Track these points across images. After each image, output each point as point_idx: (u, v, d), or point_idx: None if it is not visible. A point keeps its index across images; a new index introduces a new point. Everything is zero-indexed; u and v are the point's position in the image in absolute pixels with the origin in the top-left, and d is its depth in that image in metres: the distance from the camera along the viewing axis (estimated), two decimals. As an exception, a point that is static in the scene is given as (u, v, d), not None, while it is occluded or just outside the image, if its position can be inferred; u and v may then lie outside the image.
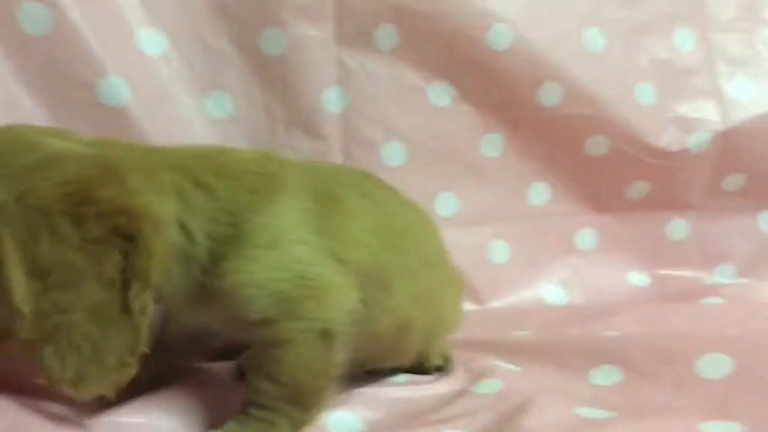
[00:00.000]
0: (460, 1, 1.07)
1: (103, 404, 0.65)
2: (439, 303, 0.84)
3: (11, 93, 0.87)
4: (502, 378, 0.84)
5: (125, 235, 0.57)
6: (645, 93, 1.18)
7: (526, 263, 1.22)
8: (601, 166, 1.20)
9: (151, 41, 0.97)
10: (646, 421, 0.72)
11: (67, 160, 0.58)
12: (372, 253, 0.72)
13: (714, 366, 0.83)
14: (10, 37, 0.86)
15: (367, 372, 0.84)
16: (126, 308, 0.57)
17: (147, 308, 0.58)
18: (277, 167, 0.71)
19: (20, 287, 0.54)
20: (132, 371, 0.58)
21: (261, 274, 0.63)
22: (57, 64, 0.87)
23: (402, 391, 0.81)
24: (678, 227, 1.28)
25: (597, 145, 1.19)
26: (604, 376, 0.87)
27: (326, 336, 0.66)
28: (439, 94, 1.12)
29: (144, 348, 0.58)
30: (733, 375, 0.81)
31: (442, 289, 0.85)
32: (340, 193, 0.74)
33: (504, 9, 1.09)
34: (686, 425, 0.71)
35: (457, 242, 1.13)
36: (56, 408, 0.63)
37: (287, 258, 0.65)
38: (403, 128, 1.11)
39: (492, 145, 1.17)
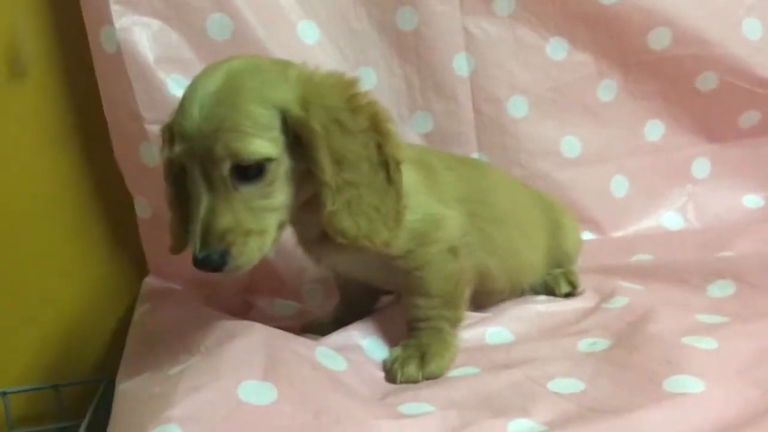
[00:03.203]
0: (570, -38, 1.17)
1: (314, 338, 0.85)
2: (515, 254, 0.99)
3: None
4: (627, 295, 0.98)
5: (378, 128, 0.74)
6: (751, 28, 1.24)
7: (645, 195, 1.32)
8: (712, 99, 1.28)
9: (307, 32, 1.14)
10: (757, 323, 0.84)
11: (317, 73, 0.74)
12: (455, 212, 0.88)
13: (820, 274, 0.93)
14: (201, 44, 1.04)
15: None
16: (390, 181, 0.75)
17: (401, 181, 0.75)
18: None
19: (329, 167, 0.70)
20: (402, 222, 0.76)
21: None
22: None
23: (543, 307, 0.98)
24: (790, 149, 1.33)
25: (707, 81, 1.26)
26: (719, 290, 0.99)
27: (454, 251, 0.86)
28: (555, 49, 1.23)
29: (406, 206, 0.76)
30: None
31: (519, 242, 1.00)
32: (435, 165, 0.91)
33: (611, -36, 1.18)
34: (793, 326, 0.82)
35: (581, 181, 1.28)
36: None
37: (414, 203, 0.82)
38: (525, 83, 1.23)
39: (607, 89, 1.27)
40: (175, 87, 1.01)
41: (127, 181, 1.09)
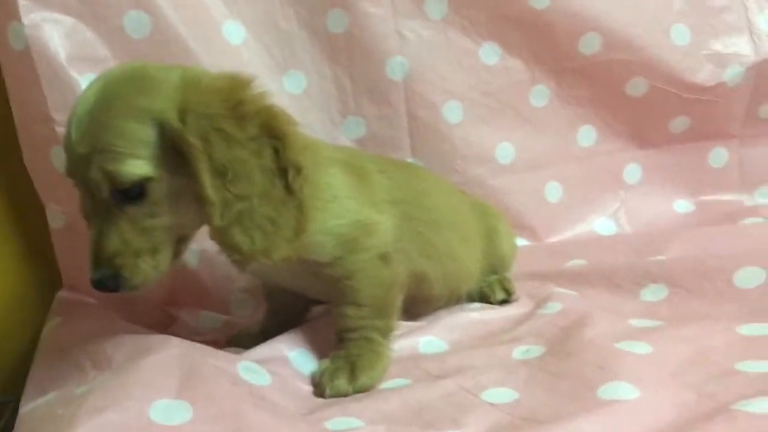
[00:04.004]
0: (502, -34, 1.16)
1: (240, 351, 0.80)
2: (453, 259, 0.96)
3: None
4: (561, 301, 0.97)
5: (272, 133, 0.69)
6: (680, 34, 1.26)
7: (578, 200, 1.33)
8: (642, 105, 1.29)
9: (233, 32, 1.09)
10: (691, 327, 0.84)
11: (206, 77, 0.70)
12: (388, 216, 0.86)
13: (749, 277, 0.94)
14: (118, 42, 0.98)
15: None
16: (289, 191, 0.70)
17: (303, 188, 0.70)
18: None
19: (209, 181, 0.66)
20: (304, 237, 0.72)
21: (327, 222, 0.78)
22: (159, 61, 0.97)
23: (477, 315, 0.96)
24: (719, 155, 1.36)
25: (638, 86, 1.28)
26: (652, 294, 0.99)
27: (385, 258, 0.83)
28: (488, 54, 1.22)
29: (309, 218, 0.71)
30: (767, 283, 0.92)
31: (457, 246, 0.97)
32: (367, 167, 0.88)
33: (541, -31, 1.17)
34: (726, 329, 0.82)
35: (516, 187, 1.27)
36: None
37: (342, 209, 0.80)
38: (459, 87, 1.22)
39: (540, 95, 1.27)
40: (89, 87, 0.95)
41: (38, 188, 1.02)
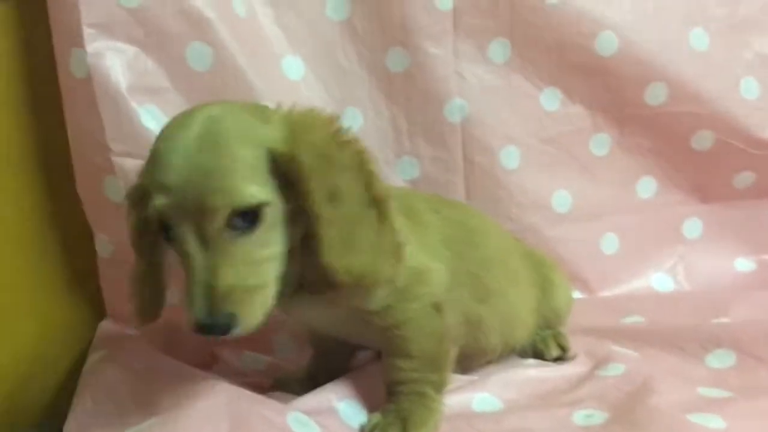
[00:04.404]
0: (568, 11, 1.13)
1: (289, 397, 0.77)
2: (506, 301, 0.92)
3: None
4: (623, 362, 0.91)
5: (363, 165, 0.69)
6: (749, 87, 1.22)
7: (635, 254, 1.28)
8: (707, 159, 1.24)
9: (292, 67, 1.09)
10: (764, 399, 0.79)
11: (299, 109, 0.69)
12: (441, 258, 0.82)
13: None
14: (179, 73, 0.97)
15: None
16: (383, 217, 0.69)
17: (394, 216, 0.71)
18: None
19: (322, 199, 0.65)
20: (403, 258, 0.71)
21: None
22: (218, 94, 0.97)
23: (534, 372, 0.91)
24: (784, 214, 1.30)
25: (703, 140, 1.23)
26: (718, 360, 0.93)
27: (437, 307, 0.78)
28: (550, 99, 1.19)
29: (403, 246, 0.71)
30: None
31: (509, 288, 0.93)
32: (418, 207, 0.85)
33: (610, 16, 1.15)
34: (801, 404, 0.77)
35: (571, 237, 1.23)
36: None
37: None
38: (518, 133, 1.18)
39: (601, 143, 1.23)
40: (148, 118, 0.94)
41: (88, 217, 1.01)
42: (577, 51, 1.16)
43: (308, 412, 0.72)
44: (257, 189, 0.63)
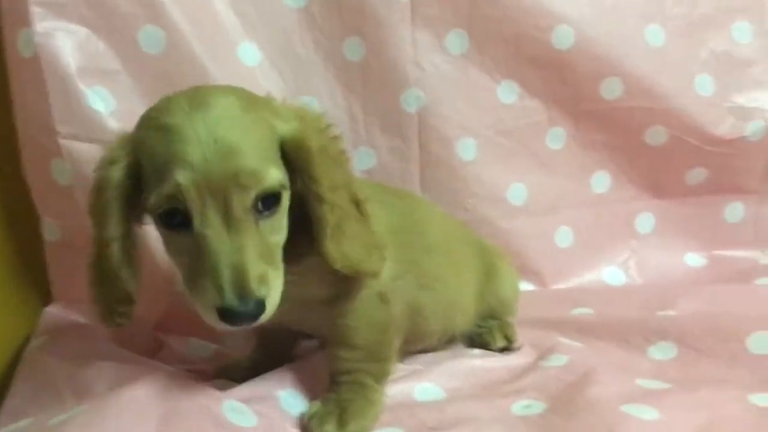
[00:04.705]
0: (526, 5, 1.14)
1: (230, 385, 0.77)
2: (446, 286, 0.92)
3: (133, 104, 0.95)
4: (566, 353, 0.93)
5: (344, 164, 0.73)
6: (704, 84, 1.23)
7: (589, 247, 1.29)
8: (660, 154, 1.26)
9: (248, 53, 1.08)
10: (700, 392, 0.80)
11: (296, 107, 0.71)
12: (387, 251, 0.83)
13: (763, 343, 0.90)
14: (131, 56, 0.96)
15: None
16: (364, 215, 0.73)
17: (370, 217, 0.74)
18: None
19: (327, 186, 0.67)
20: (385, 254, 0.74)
21: None
22: (171, 78, 0.97)
23: (478, 362, 0.92)
24: (735, 210, 1.32)
25: (656, 135, 1.24)
26: (661, 352, 0.95)
27: (382, 297, 0.79)
28: (507, 92, 1.19)
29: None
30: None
31: (448, 273, 0.93)
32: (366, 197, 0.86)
33: (567, 10, 1.15)
34: (737, 396, 0.78)
35: (526, 229, 1.24)
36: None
37: None
38: (475, 125, 1.18)
39: (556, 137, 1.24)
40: (96, 100, 0.93)
41: (35, 199, 0.99)
42: (534, 44, 1.16)
43: (247, 400, 0.72)
44: (279, 173, 0.64)
